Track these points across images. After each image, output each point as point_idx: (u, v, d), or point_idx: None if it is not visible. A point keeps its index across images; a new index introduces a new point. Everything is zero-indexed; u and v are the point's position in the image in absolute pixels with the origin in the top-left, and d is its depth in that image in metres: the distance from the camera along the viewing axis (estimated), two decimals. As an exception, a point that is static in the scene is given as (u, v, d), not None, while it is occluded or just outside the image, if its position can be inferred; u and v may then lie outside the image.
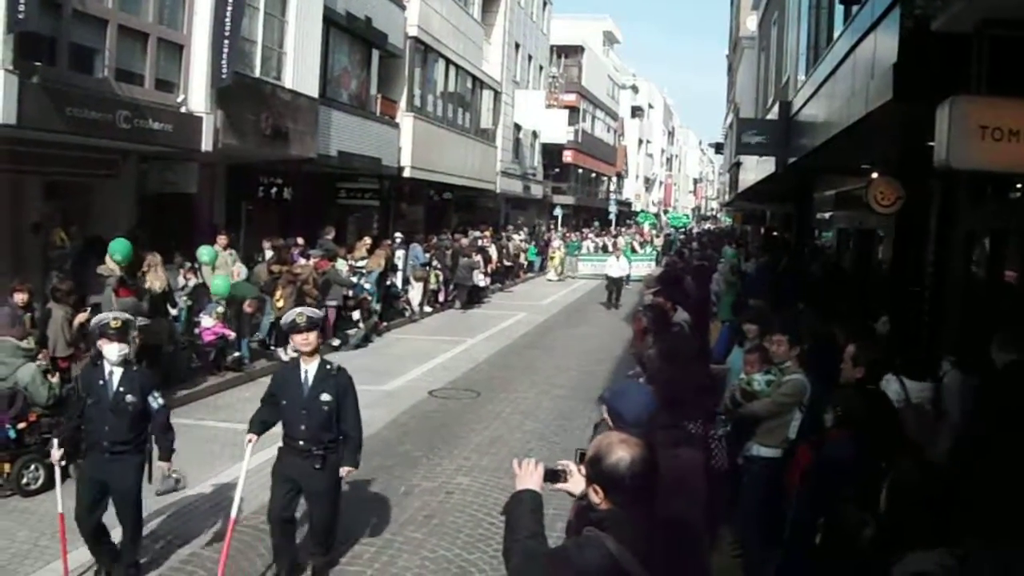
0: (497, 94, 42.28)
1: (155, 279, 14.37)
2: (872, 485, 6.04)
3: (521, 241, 42.15)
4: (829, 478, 6.84)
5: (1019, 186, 12.41)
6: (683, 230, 75.56)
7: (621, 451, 3.90)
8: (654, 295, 13.57)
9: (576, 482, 4.21)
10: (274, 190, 22.03)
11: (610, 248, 45.42)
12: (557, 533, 5.37)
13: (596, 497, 3.94)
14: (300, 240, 20.69)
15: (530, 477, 4.19)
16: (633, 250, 42.97)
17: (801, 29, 18.15)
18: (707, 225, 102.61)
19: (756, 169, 25.10)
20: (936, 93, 7.31)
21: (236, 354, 16.28)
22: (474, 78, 38.22)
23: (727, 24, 52.04)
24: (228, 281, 16.34)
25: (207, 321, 15.59)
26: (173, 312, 15.39)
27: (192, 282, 16.25)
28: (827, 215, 26.22)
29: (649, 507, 3.90)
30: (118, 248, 13.76)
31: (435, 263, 27.57)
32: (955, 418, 8.21)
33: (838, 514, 6.11)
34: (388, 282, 23.72)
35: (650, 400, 5.02)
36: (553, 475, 4.28)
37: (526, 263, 41.79)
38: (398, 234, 27.35)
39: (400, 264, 25.79)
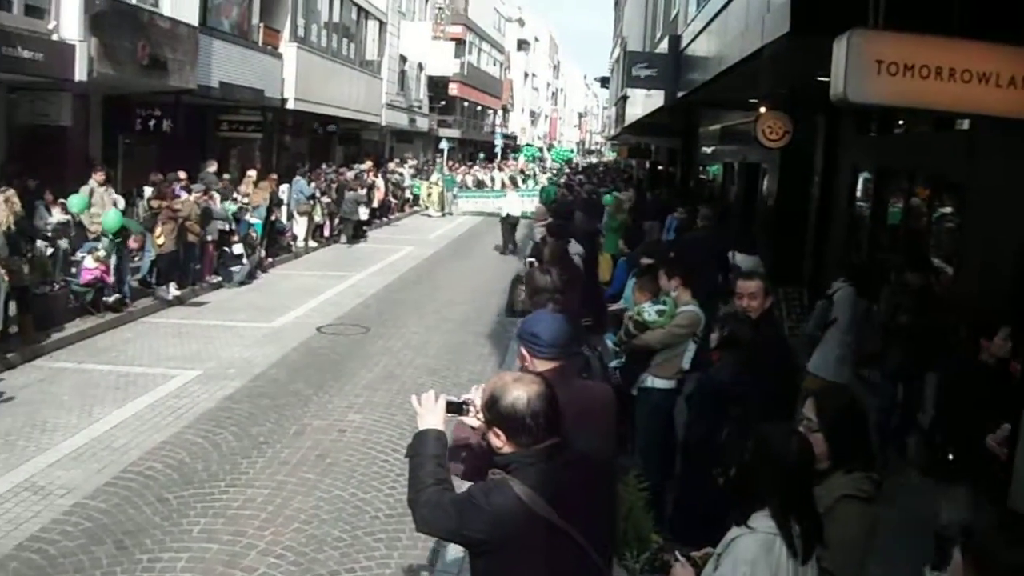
0: (383, 25, 41.54)
1: (3, 213, 13.46)
2: (756, 405, 6.14)
3: (410, 175, 41.73)
4: (713, 399, 6.92)
5: (901, 123, 12.65)
6: (569, 164, 75.77)
7: (517, 390, 3.76)
8: (546, 228, 13.54)
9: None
10: (152, 123, 21.16)
11: (488, 184, 45.12)
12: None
13: (498, 441, 3.80)
14: (182, 175, 19.97)
15: (432, 413, 4.03)
16: (516, 184, 42.58)
17: (692, -38, 18.10)
18: (591, 159, 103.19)
19: (644, 103, 25.18)
20: (832, 28, 7.30)
21: (116, 295, 15.67)
22: (359, 8, 37.49)
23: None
24: (119, 215, 15.65)
25: (88, 262, 14.92)
26: (47, 251, 14.70)
27: (57, 217, 15.55)
28: (712, 149, 26.48)
29: (555, 444, 3.77)
30: None
31: (321, 196, 27.07)
32: (843, 326, 9.95)
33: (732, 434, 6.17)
34: (273, 217, 23.20)
35: (563, 324, 4.93)
36: (456, 408, 4.11)
37: (412, 197, 41.35)
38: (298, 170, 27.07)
39: (284, 198, 25.25)
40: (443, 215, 40.04)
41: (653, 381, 8.35)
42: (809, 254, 15.99)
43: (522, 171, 56.24)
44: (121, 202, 17.57)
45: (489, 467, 3.86)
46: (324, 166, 30.91)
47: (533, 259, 10.99)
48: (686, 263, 9.28)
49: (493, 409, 3.80)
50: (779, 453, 3.94)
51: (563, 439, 3.83)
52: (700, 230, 14.93)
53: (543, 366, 4.58)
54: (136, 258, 16.55)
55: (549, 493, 3.65)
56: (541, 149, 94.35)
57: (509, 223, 28.76)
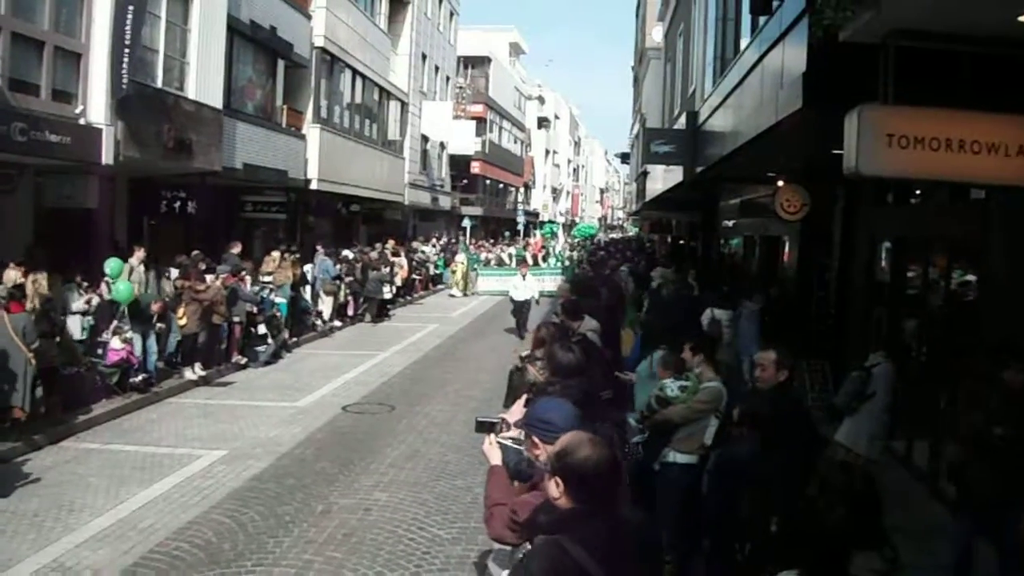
0: (404, 105, 42.12)
1: (32, 297, 13.57)
2: (776, 480, 6.13)
3: (432, 253, 41.92)
4: (731, 475, 6.92)
5: (918, 192, 12.71)
6: (591, 241, 75.82)
7: (589, 449, 3.92)
8: (561, 304, 13.65)
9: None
10: (177, 204, 21.33)
11: (505, 261, 45.08)
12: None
13: (555, 491, 3.95)
14: (190, 255, 19.98)
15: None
16: (535, 263, 42.54)
17: (708, 40, 18.37)
18: (613, 235, 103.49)
19: (663, 178, 25.37)
20: (844, 102, 7.43)
21: (142, 375, 15.78)
22: (381, 89, 38.00)
23: (632, 35, 52.58)
24: (131, 286, 15.72)
25: (115, 343, 15.09)
26: (78, 335, 14.89)
27: (95, 301, 15.72)
28: (732, 223, 26.59)
29: (610, 510, 3.92)
30: None
31: (346, 276, 27.25)
32: (881, 402, 9.98)
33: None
34: (301, 301, 23.39)
35: (572, 409, 5.05)
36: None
37: (436, 275, 41.49)
38: (319, 247, 27.52)
39: (310, 277, 25.44)
40: (466, 295, 39.68)
41: (675, 456, 8.38)
42: (830, 325, 15.98)
43: (543, 247, 56.09)
44: (150, 284, 17.66)
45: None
46: (349, 247, 31.12)
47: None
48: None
49: (563, 460, 3.96)
50: (816, 522, 3.97)
51: (615, 507, 4.00)
52: (674, 293, 16.83)
53: None
54: (158, 334, 16.60)
55: (598, 552, 3.74)
56: (560, 225, 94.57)
57: (519, 305, 26.80)
